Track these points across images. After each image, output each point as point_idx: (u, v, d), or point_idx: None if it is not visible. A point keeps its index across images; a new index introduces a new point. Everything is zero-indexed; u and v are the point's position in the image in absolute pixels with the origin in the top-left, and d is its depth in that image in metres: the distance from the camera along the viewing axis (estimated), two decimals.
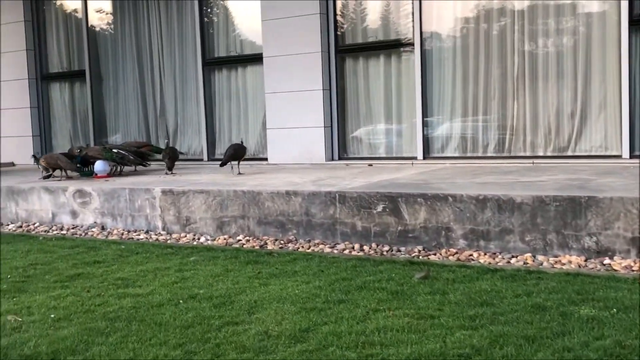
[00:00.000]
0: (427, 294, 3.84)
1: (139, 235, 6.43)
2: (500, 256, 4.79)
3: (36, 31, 11.34)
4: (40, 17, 11.35)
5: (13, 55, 11.30)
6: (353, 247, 5.31)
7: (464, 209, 5.00)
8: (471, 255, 4.87)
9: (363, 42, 8.56)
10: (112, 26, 10.78)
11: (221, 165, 7.70)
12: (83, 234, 6.61)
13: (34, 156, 8.77)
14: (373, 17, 8.53)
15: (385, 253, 5.12)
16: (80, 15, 10.94)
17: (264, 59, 8.89)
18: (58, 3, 11.25)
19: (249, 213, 5.99)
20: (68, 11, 11.18)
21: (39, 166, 8.20)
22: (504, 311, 3.46)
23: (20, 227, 7.24)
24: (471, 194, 5.00)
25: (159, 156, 8.94)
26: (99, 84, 10.94)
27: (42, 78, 11.39)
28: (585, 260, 4.53)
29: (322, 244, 5.49)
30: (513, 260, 4.69)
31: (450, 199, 5.06)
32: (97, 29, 10.92)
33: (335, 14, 8.58)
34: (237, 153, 7.66)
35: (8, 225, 7.40)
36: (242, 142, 8.09)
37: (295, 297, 3.88)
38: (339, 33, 8.63)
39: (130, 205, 6.73)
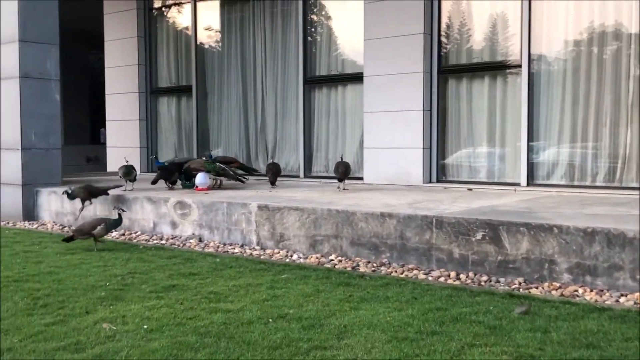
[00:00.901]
0: (527, 331, 3.61)
1: (234, 248, 6.51)
2: (608, 294, 4.46)
3: (148, 47, 11.87)
4: (152, 33, 11.88)
5: (125, 70, 11.88)
6: (449, 275, 5.13)
7: (570, 242, 4.70)
8: (576, 290, 4.56)
9: (467, 62, 8.35)
10: (219, 43, 11.12)
11: (340, 180, 8.05)
12: (181, 245, 6.77)
13: (153, 156, 9.06)
14: (478, 37, 8.31)
15: (483, 283, 4.90)
16: (190, 32, 11.35)
17: (364, 78, 8.85)
18: (170, 20, 11.74)
19: (342, 233, 5.93)
20: (179, 28, 11.64)
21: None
22: (612, 356, 3.18)
23: (123, 234, 7.51)
24: (578, 226, 4.69)
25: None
26: (204, 98, 11.29)
27: (151, 92, 11.90)
28: None
29: (417, 269, 5.36)
30: (622, 299, 4.35)
31: (556, 229, 4.77)
32: (206, 45, 11.30)
33: (439, 34, 8.43)
34: (347, 170, 8.07)
35: (112, 232, 7.70)
36: (342, 158, 8.33)
37: (386, 324, 3.76)
38: (442, 53, 8.46)
39: (228, 219, 6.84)
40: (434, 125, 8.47)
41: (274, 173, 8.63)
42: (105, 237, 6.74)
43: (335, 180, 8.70)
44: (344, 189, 7.96)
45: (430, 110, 8.46)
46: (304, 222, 6.20)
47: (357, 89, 9.26)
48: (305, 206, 6.25)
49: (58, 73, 9.09)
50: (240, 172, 8.99)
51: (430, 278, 5.10)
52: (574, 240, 4.68)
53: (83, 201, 7.65)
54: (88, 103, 17.07)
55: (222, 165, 8.46)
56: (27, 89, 8.77)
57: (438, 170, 8.51)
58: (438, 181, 8.45)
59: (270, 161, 9.20)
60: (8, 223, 8.64)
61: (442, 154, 8.54)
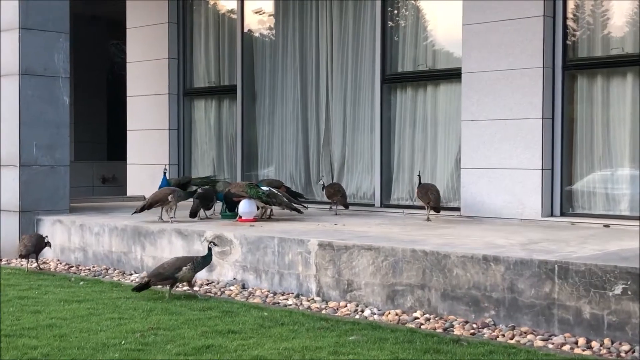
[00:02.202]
0: None
1: (287, 299, 6.51)
2: None
3: (182, 36, 12.13)
4: (188, 19, 12.16)
5: (153, 65, 12.15)
6: (576, 342, 5.01)
7: None
8: None
9: (603, 55, 8.18)
10: (272, 32, 11.28)
11: (435, 209, 8.45)
12: (219, 293, 6.83)
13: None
14: (618, 21, 8.13)
15: (623, 354, 4.76)
16: (235, 17, 11.55)
17: (463, 76, 8.78)
18: (210, 2, 12.00)
19: (430, 282, 5.86)
20: (222, 12, 11.88)
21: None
22: None
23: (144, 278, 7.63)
24: None
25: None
26: (251, 103, 11.44)
27: (184, 93, 12.15)
28: None
29: (532, 333, 5.26)
30: None
31: None
32: (255, 34, 11.47)
33: (565, 17, 8.30)
34: (439, 196, 8.48)
35: (131, 274, 7.86)
36: (419, 178, 8.67)
37: None
38: (568, 43, 8.31)
39: (279, 260, 6.86)
40: (557, 138, 8.31)
41: (343, 195, 9.02)
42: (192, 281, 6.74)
43: (423, 211, 8.65)
44: (427, 219, 8.16)
45: (553, 118, 8.31)
46: (380, 266, 6.15)
47: (453, 89, 9.20)
48: (382, 245, 6.21)
49: (68, 69, 9.40)
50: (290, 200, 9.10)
51: (550, 346, 4.99)
52: None
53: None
54: (105, 107, 17.57)
55: (271, 189, 8.52)
56: (28, 89, 9.11)
57: (562, 200, 8.33)
58: (562, 214, 8.27)
59: (329, 182, 9.33)
60: (0, 261, 8.92)
61: (568, 177, 8.37)
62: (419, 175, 8.72)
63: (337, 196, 8.97)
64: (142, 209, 8.33)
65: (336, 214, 9.03)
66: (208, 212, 8.83)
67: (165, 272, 6.48)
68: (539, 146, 8.25)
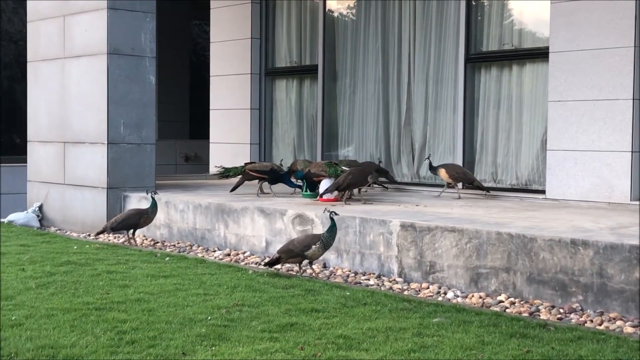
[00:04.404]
0: None
1: (369, 279, 6.53)
2: None
3: (264, 16, 12.18)
4: None
5: (236, 45, 12.26)
6: None
7: None
8: None
9: None
10: (353, 11, 11.22)
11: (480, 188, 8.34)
12: (301, 272, 6.86)
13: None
14: None
15: None
16: None
17: (550, 55, 8.59)
18: None
19: (516, 265, 5.79)
20: None
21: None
22: None
23: (229, 255, 7.74)
24: None
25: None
26: (332, 82, 11.43)
27: (266, 73, 12.21)
28: None
29: (622, 319, 5.15)
30: None
31: None
32: (335, 14, 11.44)
33: None
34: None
35: (215, 251, 7.97)
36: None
37: None
38: None
39: (360, 240, 6.86)
40: None
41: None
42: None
43: (508, 194, 8.52)
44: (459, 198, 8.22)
45: None
46: (463, 248, 6.09)
47: (540, 69, 9.01)
48: (466, 227, 6.15)
49: (154, 49, 9.56)
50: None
51: None
52: None
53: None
54: (188, 87, 17.82)
55: (351, 168, 8.52)
56: (116, 68, 9.29)
57: None
58: None
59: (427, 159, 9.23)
60: (89, 235, 9.17)
61: None
62: (428, 158, 8.97)
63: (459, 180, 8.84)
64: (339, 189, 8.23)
65: (459, 197, 8.84)
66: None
67: (295, 249, 6.52)
68: (629, 128, 8.02)
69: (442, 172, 8.69)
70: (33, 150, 10.56)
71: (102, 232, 8.44)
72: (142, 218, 8.19)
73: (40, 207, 10.21)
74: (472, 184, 8.89)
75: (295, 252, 6.50)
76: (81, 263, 7.12)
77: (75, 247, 8.07)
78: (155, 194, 8.29)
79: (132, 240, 8.36)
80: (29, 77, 10.66)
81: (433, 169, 8.91)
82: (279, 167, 9.27)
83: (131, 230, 8.33)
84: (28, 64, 10.71)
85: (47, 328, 4.81)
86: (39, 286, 6.04)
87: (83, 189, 9.61)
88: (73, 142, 9.77)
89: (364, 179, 8.32)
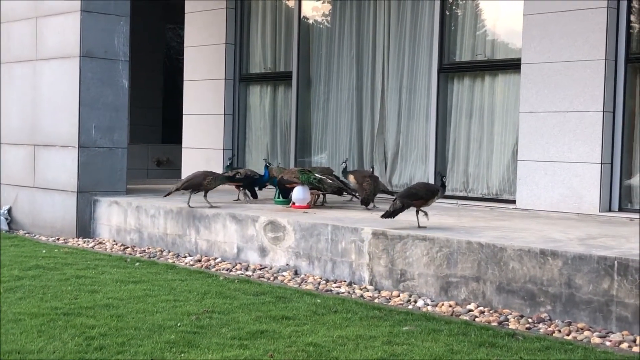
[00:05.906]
0: None
1: (340, 287, 6.53)
2: None
3: (239, 21, 12.17)
4: (246, 4, 12.18)
5: (210, 50, 12.23)
6: (634, 341, 4.93)
7: None
8: None
9: None
10: (328, 18, 11.24)
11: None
12: (272, 278, 6.86)
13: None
14: None
15: None
16: (292, 3, 11.55)
17: (522, 66, 8.66)
18: None
19: (485, 275, 5.82)
20: None
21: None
22: None
23: (199, 261, 7.71)
24: None
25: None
26: (306, 89, 11.44)
27: (240, 79, 12.19)
28: None
29: (589, 329, 5.20)
30: None
31: None
32: (310, 20, 11.46)
33: (629, 10, 8.11)
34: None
35: (185, 257, 7.93)
36: None
37: None
38: (632, 35, 8.14)
39: (332, 247, 6.86)
40: (617, 132, 8.16)
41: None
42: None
43: (479, 203, 8.57)
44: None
45: (614, 112, 8.15)
46: (434, 257, 6.12)
47: (512, 80, 9.08)
48: (437, 235, 6.18)
49: (127, 52, 9.52)
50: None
51: (607, 343, 4.93)
52: None
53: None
54: (162, 91, 17.75)
55: (320, 176, 8.52)
56: (88, 72, 9.22)
57: (622, 195, 8.18)
58: (622, 209, 8.12)
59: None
60: (58, 239, 9.09)
61: (627, 172, 8.21)
62: (344, 162, 9.01)
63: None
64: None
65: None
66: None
67: (419, 192, 6.73)
68: (599, 140, 8.10)
69: (351, 178, 8.70)
70: (3, 152, 10.46)
71: (169, 193, 8.41)
72: (207, 179, 8.22)
73: (9, 210, 10.10)
74: (384, 192, 8.93)
75: (419, 195, 6.72)
76: (50, 267, 7.07)
77: (44, 251, 8.00)
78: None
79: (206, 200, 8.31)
80: (2, 78, 10.55)
81: (345, 173, 8.94)
82: (252, 172, 9.26)
83: (198, 193, 8.28)
84: (1, 65, 10.61)
85: (14, 333, 4.77)
86: (6, 290, 5.99)
87: (53, 193, 9.52)
88: (44, 144, 9.69)
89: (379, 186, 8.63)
